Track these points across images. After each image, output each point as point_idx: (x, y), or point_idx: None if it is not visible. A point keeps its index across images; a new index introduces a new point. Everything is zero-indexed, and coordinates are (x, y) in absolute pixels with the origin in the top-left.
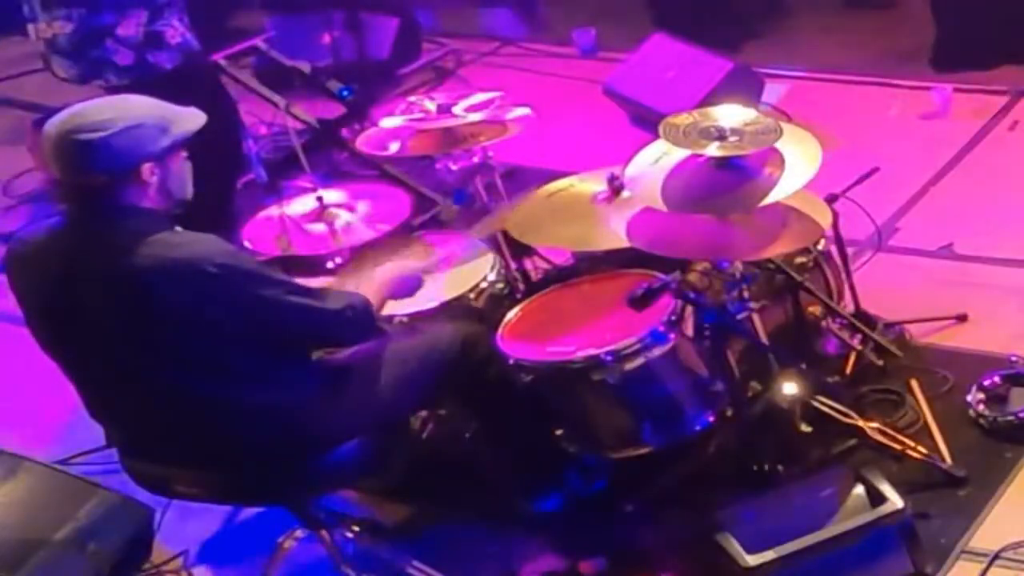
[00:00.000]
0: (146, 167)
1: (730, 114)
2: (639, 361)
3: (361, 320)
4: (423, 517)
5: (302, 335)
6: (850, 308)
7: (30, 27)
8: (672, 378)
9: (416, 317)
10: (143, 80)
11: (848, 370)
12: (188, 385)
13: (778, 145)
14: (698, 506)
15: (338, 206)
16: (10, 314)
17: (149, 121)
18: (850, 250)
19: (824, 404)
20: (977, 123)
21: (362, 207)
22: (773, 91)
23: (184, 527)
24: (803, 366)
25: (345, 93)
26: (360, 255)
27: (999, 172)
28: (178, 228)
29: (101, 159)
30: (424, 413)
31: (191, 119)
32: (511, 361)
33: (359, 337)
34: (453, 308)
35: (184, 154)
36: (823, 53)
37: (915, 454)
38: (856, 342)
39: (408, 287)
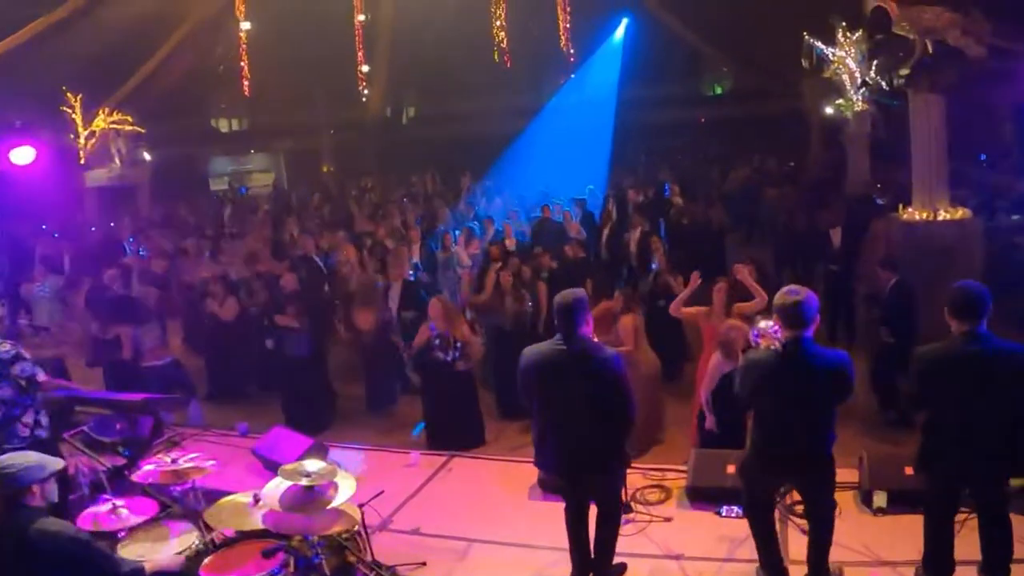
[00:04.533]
0: (35, 486)
1: (312, 464)
2: None
3: None
4: None
5: None
6: (369, 557)
7: None
8: None
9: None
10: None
11: None
12: None
13: (336, 479)
14: None
15: (123, 508)
16: None
17: (35, 464)
18: (369, 530)
19: None
20: (431, 469)
21: (133, 509)
22: (344, 456)
23: None
24: None
25: (127, 453)
26: (136, 532)
27: (442, 494)
28: (50, 517)
29: (11, 482)
30: None
31: (56, 463)
32: None
33: None
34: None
35: (53, 480)
36: (365, 436)
37: None
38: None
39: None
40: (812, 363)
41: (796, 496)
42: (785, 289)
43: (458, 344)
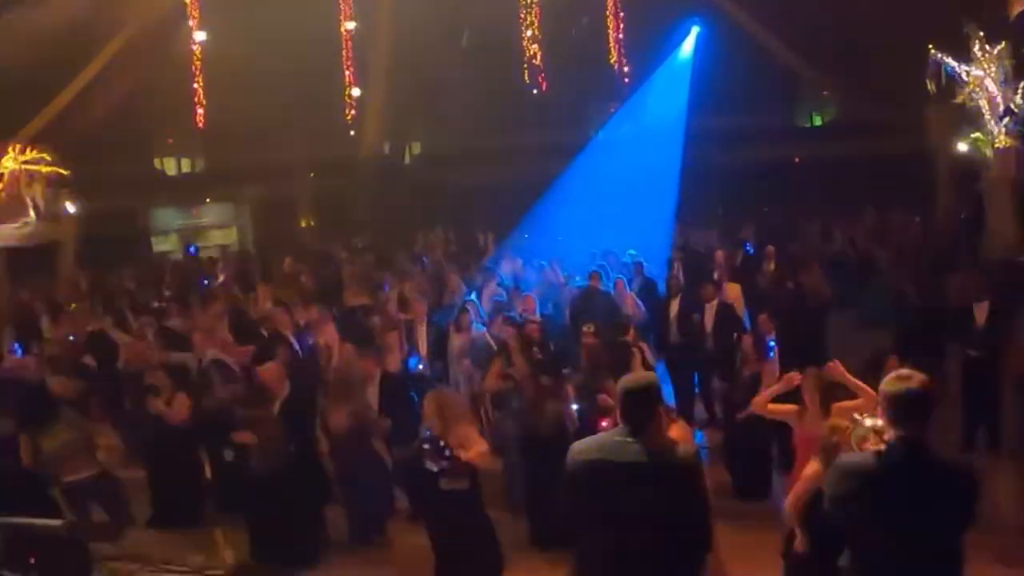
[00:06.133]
0: None
1: None
2: None
3: None
4: None
5: None
6: None
7: None
8: None
9: None
10: None
11: None
12: None
13: None
14: None
15: None
16: None
17: None
18: None
19: None
20: None
21: None
22: None
23: None
24: None
25: None
26: None
27: None
28: None
29: None
30: None
31: None
32: None
33: None
34: None
35: None
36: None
37: None
38: None
39: None
40: (928, 473)
41: None
42: (895, 374)
43: (448, 453)
